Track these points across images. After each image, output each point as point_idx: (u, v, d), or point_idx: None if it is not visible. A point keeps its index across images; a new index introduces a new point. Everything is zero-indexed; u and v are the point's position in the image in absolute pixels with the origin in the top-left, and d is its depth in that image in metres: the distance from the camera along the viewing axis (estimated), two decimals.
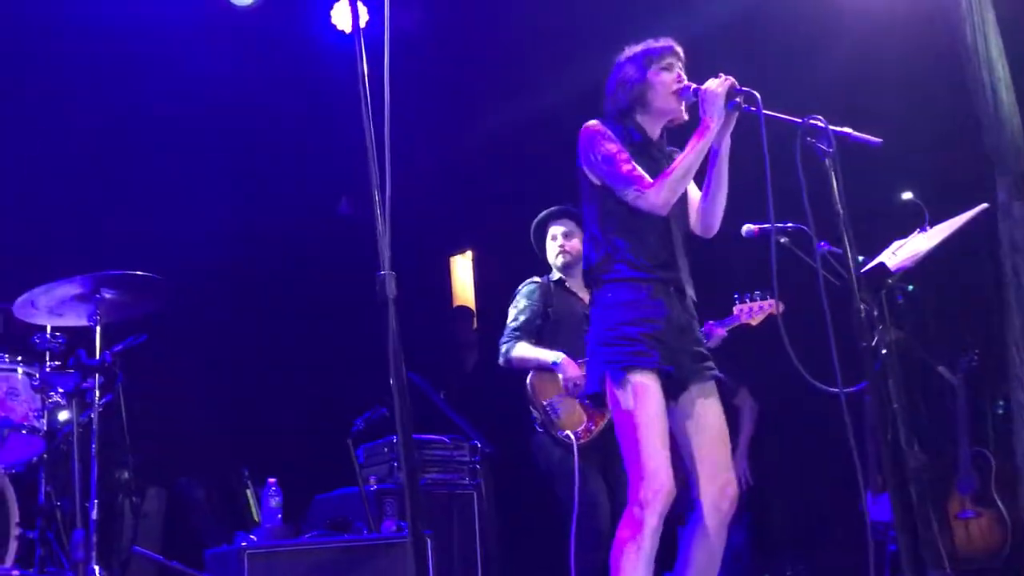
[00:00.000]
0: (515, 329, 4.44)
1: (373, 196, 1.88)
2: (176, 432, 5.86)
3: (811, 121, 2.87)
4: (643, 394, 3.06)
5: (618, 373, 3.11)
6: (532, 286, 4.54)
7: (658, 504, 2.99)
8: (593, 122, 3.26)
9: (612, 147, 3.18)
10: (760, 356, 4.46)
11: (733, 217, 3.56)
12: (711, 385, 3.24)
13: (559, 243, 4.51)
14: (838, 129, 2.87)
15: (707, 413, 3.19)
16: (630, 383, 3.07)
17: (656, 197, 3.11)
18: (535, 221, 4.60)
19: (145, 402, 4.96)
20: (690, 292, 3.29)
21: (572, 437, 4.13)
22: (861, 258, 3.30)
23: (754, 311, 4.38)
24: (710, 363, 3.26)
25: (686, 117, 3.28)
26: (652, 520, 2.98)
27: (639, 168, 3.16)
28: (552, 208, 4.56)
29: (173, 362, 5.79)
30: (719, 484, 3.14)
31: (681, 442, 3.20)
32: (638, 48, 3.29)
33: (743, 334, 4.48)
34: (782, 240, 3.85)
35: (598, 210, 3.25)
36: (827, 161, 2.81)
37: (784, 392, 4.82)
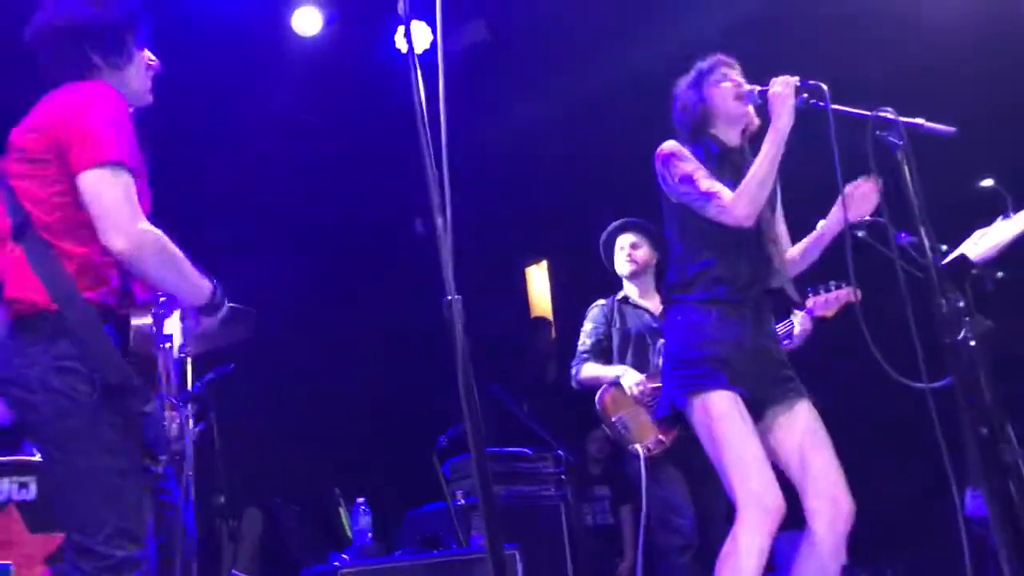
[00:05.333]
0: (583, 352, 4.56)
1: (436, 221, 1.90)
2: (269, 455, 6.00)
3: (881, 113, 2.79)
4: (720, 415, 3.00)
5: (684, 398, 3.08)
6: (596, 309, 4.64)
7: (767, 525, 2.88)
8: (668, 143, 3.25)
9: (688, 166, 3.17)
10: (835, 353, 4.35)
11: (804, 214, 3.51)
12: (801, 404, 3.13)
13: (627, 253, 4.58)
14: (909, 120, 2.78)
15: (800, 431, 3.08)
16: (703, 407, 3.03)
17: (739, 210, 3.07)
18: (604, 233, 4.64)
19: (237, 428, 5.09)
20: (792, 293, 3.26)
21: (641, 451, 4.13)
22: (944, 247, 3.21)
23: (829, 302, 4.27)
24: (794, 384, 3.18)
25: (757, 121, 3.27)
26: (761, 542, 2.88)
27: (718, 183, 3.14)
28: (620, 220, 4.63)
29: (262, 388, 5.94)
30: (828, 499, 3.00)
31: (782, 467, 3.10)
32: (688, 76, 3.33)
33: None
34: (859, 234, 3.76)
35: (679, 229, 3.26)
36: (899, 154, 2.74)
37: (862, 388, 4.69)
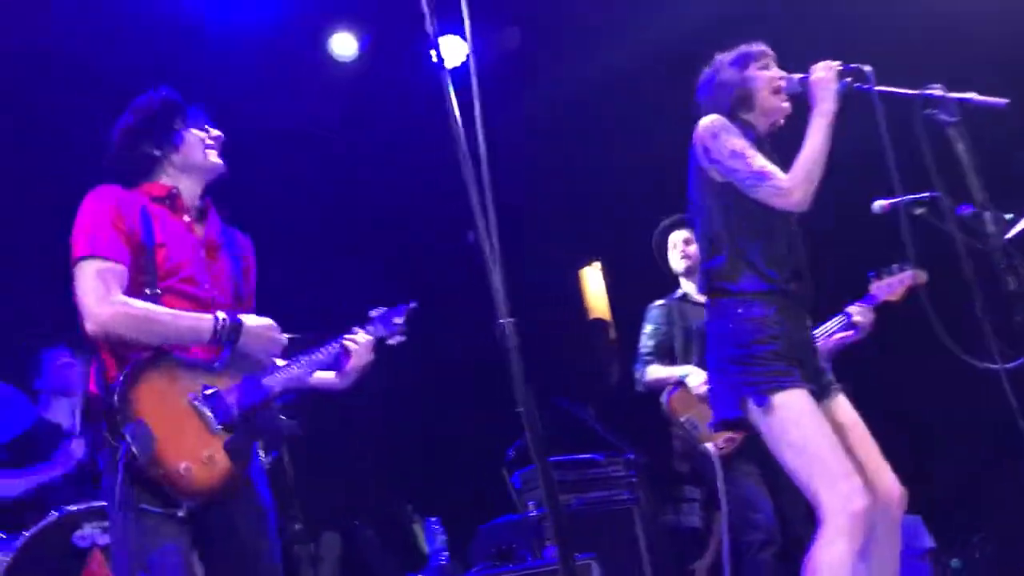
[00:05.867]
0: (645, 354, 4.50)
1: (483, 248, 1.89)
2: (340, 478, 6.05)
3: (929, 91, 2.72)
4: (801, 414, 2.86)
5: (761, 397, 2.89)
6: (656, 310, 4.57)
7: (858, 529, 2.75)
8: (714, 116, 3.07)
9: (739, 142, 3.00)
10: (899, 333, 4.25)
11: (856, 197, 3.44)
12: (841, 396, 3.08)
13: (680, 250, 4.53)
14: (959, 95, 2.70)
15: (848, 424, 3.02)
16: (780, 406, 2.86)
17: (796, 194, 2.92)
18: (656, 231, 4.58)
19: (309, 454, 5.15)
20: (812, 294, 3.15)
21: (713, 449, 4.06)
22: (1009, 215, 3.11)
23: (893, 285, 4.16)
24: (830, 376, 3.14)
25: (789, 109, 3.16)
26: (853, 547, 2.74)
27: (771, 163, 2.99)
28: (671, 217, 4.56)
29: (328, 412, 5.99)
30: (883, 489, 2.93)
31: None
32: (730, 55, 3.20)
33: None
34: (917, 212, 3.66)
35: (721, 209, 3.07)
36: (951, 130, 2.66)
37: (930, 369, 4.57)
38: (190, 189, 2.77)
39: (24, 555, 3.58)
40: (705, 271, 3.15)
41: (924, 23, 5.05)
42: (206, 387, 2.51)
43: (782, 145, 3.14)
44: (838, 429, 2.97)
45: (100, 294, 2.49)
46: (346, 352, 2.81)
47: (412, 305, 3.05)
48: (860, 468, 2.91)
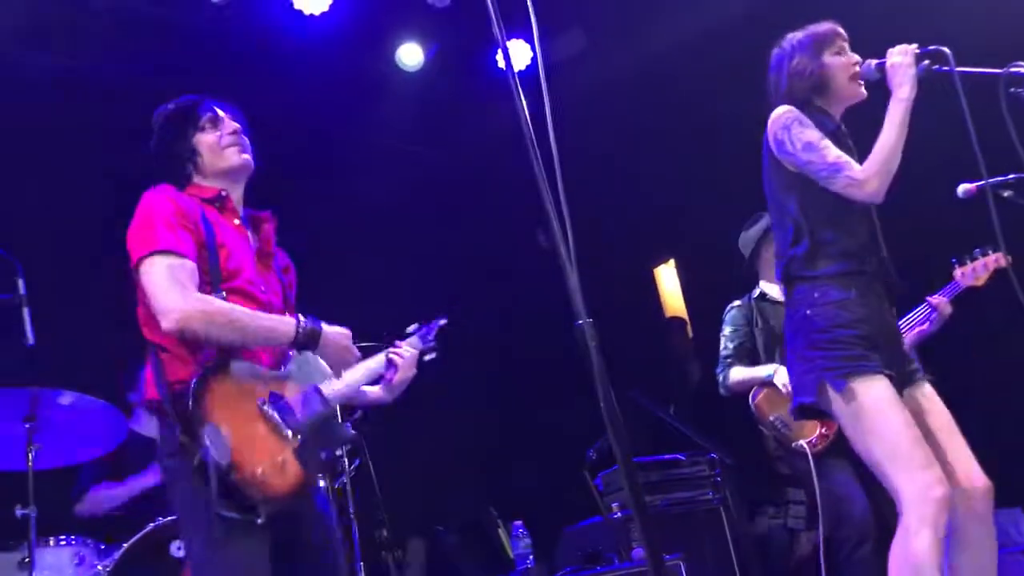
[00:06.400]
0: (726, 357, 4.45)
1: (559, 249, 1.89)
2: (424, 484, 6.10)
3: (1013, 69, 2.64)
4: (879, 401, 2.81)
5: (839, 382, 2.86)
6: (734, 311, 4.52)
7: (940, 517, 2.70)
8: (786, 108, 3.05)
9: (812, 133, 2.98)
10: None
11: (939, 182, 3.35)
12: (926, 385, 3.02)
13: None
14: None
15: (932, 412, 2.95)
16: (859, 392, 2.83)
17: (871, 185, 2.90)
18: (753, 231, 4.51)
19: (391, 460, 5.20)
20: (899, 280, 3.09)
21: (807, 447, 4.00)
22: None
23: (977, 270, 4.05)
24: (916, 364, 3.06)
25: (865, 94, 3.10)
26: (935, 536, 2.69)
27: (845, 154, 2.97)
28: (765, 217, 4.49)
29: (409, 418, 6.04)
30: (964, 481, 2.86)
31: None
32: (800, 35, 3.14)
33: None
34: (1005, 194, 3.55)
35: (798, 199, 3.04)
36: None
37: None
38: (234, 191, 2.73)
39: (123, 565, 3.68)
40: (783, 261, 3.11)
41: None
42: (273, 394, 2.49)
43: (863, 127, 3.07)
44: (919, 418, 2.91)
45: (178, 290, 2.41)
46: (393, 365, 2.85)
47: (443, 322, 3.12)
48: (943, 459, 2.86)
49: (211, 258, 2.51)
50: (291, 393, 2.52)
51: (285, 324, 2.52)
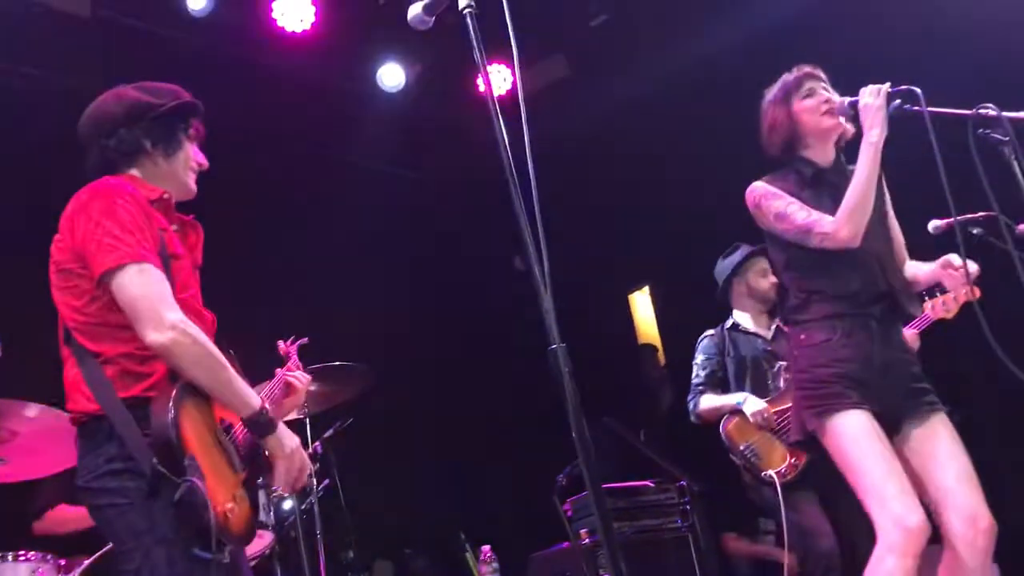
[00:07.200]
0: (697, 385, 4.50)
1: (533, 274, 1.90)
2: (392, 506, 6.06)
3: (982, 110, 2.68)
4: (853, 435, 2.90)
5: (815, 419, 2.98)
6: (707, 340, 4.58)
7: (911, 547, 2.76)
8: (756, 185, 3.21)
9: (780, 203, 3.12)
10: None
11: (914, 217, 3.40)
12: (936, 417, 3.02)
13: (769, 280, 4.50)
14: (1013, 115, 2.67)
15: (934, 446, 2.97)
16: (835, 427, 2.94)
17: (841, 233, 3.01)
18: (733, 260, 4.55)
19: (361, 481, 5.17)
20: (911, 310, 3.17)
21: (776, 476, 4.02)
22: None
23: (947, 303, 4.11)
24: (930, 397, 3.05)
25: (852, 129, 3.15)
26: (907, 563, 2.76)
27: (815, 212, 3.07)
28: (744, 248, 4.57)
29: (380, 439, 6.02)
30: (966, 517, 2.86)
31: (916, 483, 2.95)
32: (773, 89, 3.25)
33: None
34: (974, 231, 3.62)
35: (789, 258, 3.20)
36: (1006, 149, 2.62)
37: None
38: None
39: None
40: (783, 310, 3.31)
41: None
42: (223, 420, 2.36)
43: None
44: (919, 448, 2.96)
45: (170, 305, 2.26)
46: (288, 387, 2.91)
47: (303, 340, 3.35)
48: (937, 490, 2.89)
49: (166, 269, 2.34)
50: (234, 419, 2.39)
51: (252, 399, 2.34)
